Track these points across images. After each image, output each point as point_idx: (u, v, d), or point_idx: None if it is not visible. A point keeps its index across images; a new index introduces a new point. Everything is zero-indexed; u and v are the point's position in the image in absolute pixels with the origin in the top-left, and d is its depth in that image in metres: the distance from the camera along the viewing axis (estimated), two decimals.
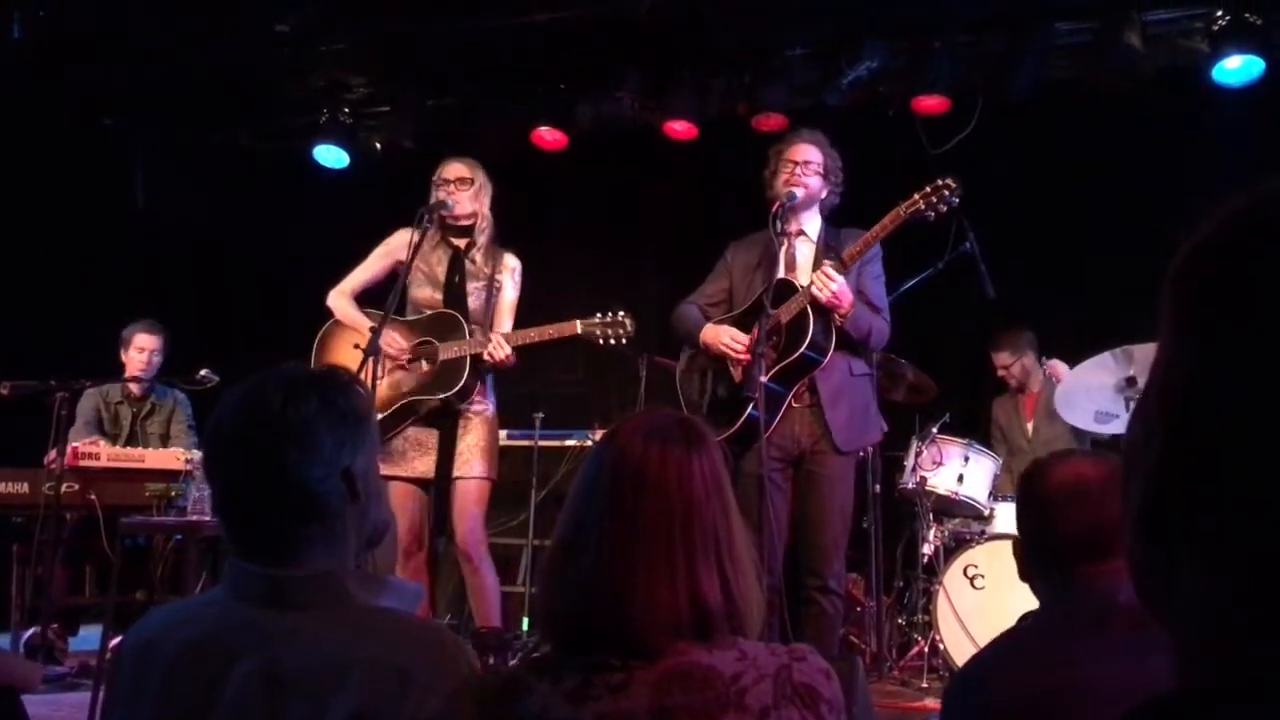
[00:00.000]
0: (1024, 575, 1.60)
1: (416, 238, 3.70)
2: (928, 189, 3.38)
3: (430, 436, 3.76)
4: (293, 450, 1.31)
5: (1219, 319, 0.54)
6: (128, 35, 5.30)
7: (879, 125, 5.45)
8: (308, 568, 1.31)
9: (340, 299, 3.92)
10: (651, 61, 5.67)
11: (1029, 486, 1.57)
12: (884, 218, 3.41)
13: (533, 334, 3.74)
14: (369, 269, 3.95)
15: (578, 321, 3.72)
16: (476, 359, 3.71)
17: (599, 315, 3.72)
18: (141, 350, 5.03)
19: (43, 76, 5.55)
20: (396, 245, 3.92)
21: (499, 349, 3.65)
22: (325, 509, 1.34)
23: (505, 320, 3.87)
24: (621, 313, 3.72)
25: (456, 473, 3.73)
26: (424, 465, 3.74)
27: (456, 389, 3.69)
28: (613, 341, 3.71)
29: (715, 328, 3.59)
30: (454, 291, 3.84)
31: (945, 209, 3.39)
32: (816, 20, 5.39)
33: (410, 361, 3.80)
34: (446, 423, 3.76)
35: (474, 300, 3.84)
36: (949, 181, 3.37)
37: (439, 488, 3.77)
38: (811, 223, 3.67)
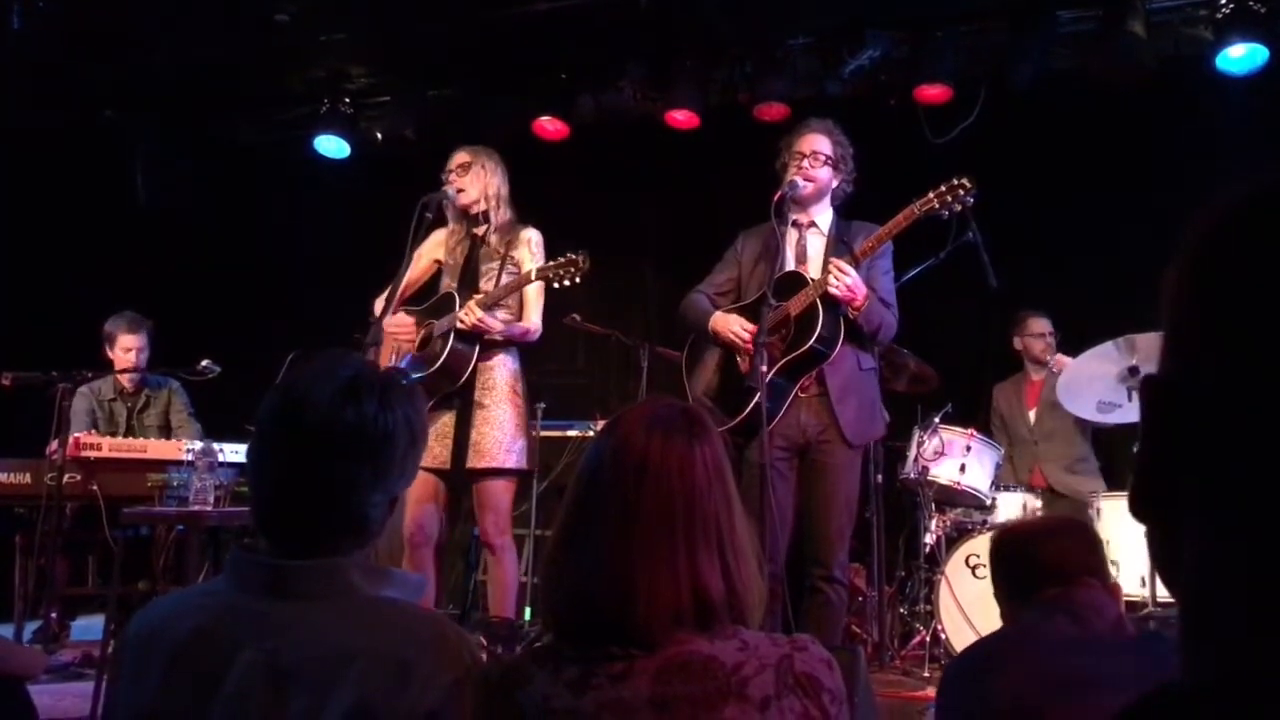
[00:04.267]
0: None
1: (414, 233, 3.67)
2: (943, 188, 3.35)
3: (448, 423, 3.68)
4: (365, 471, 1.32)
5: (1201, 307, 0.54)
6: (127, 27, 5.28)
7: (881, 115, 5.43)
8: (318, 560, 1.32)
9: (382, 302, 3.84)
10: (653, 51, 5.66)
11: (1009, 538, 1.86)
12: (898, 214, 3.39)
13: (496, 292, 3.69)
14: (408, 274, 3.85)
15: (533, 269, 3.66)
16: (458, 331, 3.66)
17: (556, 258, 3.64)
18: (128, 350, 4.97)
19: (43, 69, 5.54)
20: (430, 245, 3.91)
21: (469, 314, 3.60)
22: (367, 529, 1.36)
23: (532, 294, 3.79)
24: (580, 252, 3.60)
25: (475, 463, 3.65)
26: (442, 453, 3.66)
27: (437, 365, 3.65)
28: (568, 282, 3.60)
29: (725, 316, 3.57)
30: (469, 275, 3.81)
31: (960, 208, 3.37)
32: (818, 9, 5.38)
33: (421, 347, 3.80)
34: (460, 405, 3.68)
35: (486, 281, 3.78)
36: (964, 181, 3.34)
37: (452, 476, 3.70)
38: (822, 215, 3.65)
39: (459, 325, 3.63)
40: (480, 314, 3.61)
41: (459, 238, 3.88)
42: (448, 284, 3.85)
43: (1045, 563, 1.65)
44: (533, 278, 3.64)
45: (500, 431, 3.69)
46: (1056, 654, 1.38)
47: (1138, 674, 1.22)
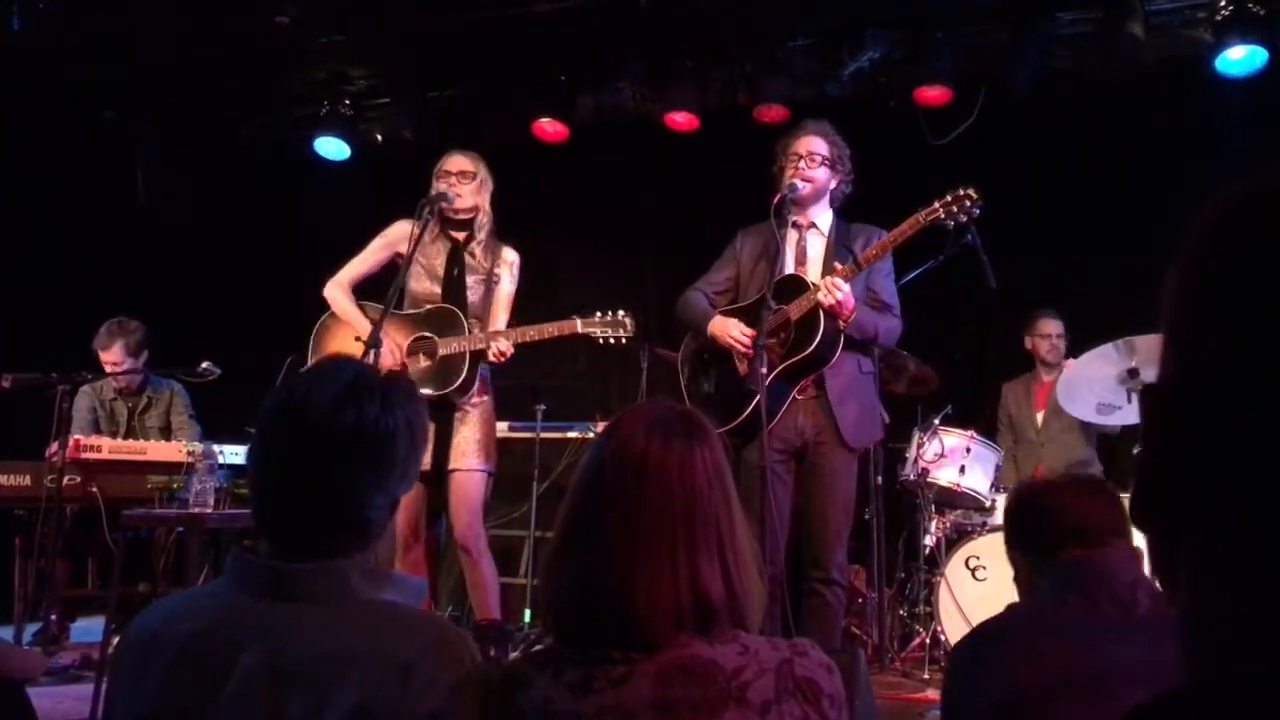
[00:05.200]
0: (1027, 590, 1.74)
1: (417, 230, 3.70)
2: (949, 198, 3.36)
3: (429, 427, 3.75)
4: (366, 474, 1.32)
5: (1200, 309, 0.54)
6: (127, 28, 5.28)
7: (880, 116, 5.43)
8: (319, 562, 1.32)
9: (337, 291, 3.91)
10: (652, 52, 5.66)
11: (1029, 500, 1.77)
12: (903, 223, 3.40)
13: (532, 332, 3.75)
14: (367, 260, 3.95)
15: (578, 320, 3.75)
16: (476, 355, 3.71)
17: (599, 314, 3.76)
18: (106, 365, 4.94)
19: (42, 70, 5.54)
20: (396, 237, 3.91)
21: (507, 352, 3.68)
22: (368, 532, 1.36)
23: (501, 315, 3.88)
24: (622, 311, 3.76)
25: (455, 465, 3.74)
26: (424, 456, 3.73)
27: (456, 385, 3.70)
28: (612, 340, 3.76)
29: (724, 320, 3.58)
30: (453, 285, 3.84)
31: (965, 219, 3.38)
32: (818, 10, 5.38)
33: (408, 357, 3.80)
34: (443, 415, 3.76)
35: (473, 294, 3.84)
36: (970, 192, 3.35)
37: (436, 480, 3.77)
38: (822, 216, 3.66)
39: (494, 359, 3.70)
40: (510, 351, 3.70)
41: (434, 239, 3.88)
42: (428, 288, 3.84)
43: (1070, 521, 1.60)
44: (578, 329, 3.74)
45: (480, 434, 3.79)
46: (1063, 644, 1.37)
47: (1146, 663, 1.22)
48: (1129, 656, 1.31)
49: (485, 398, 3.86)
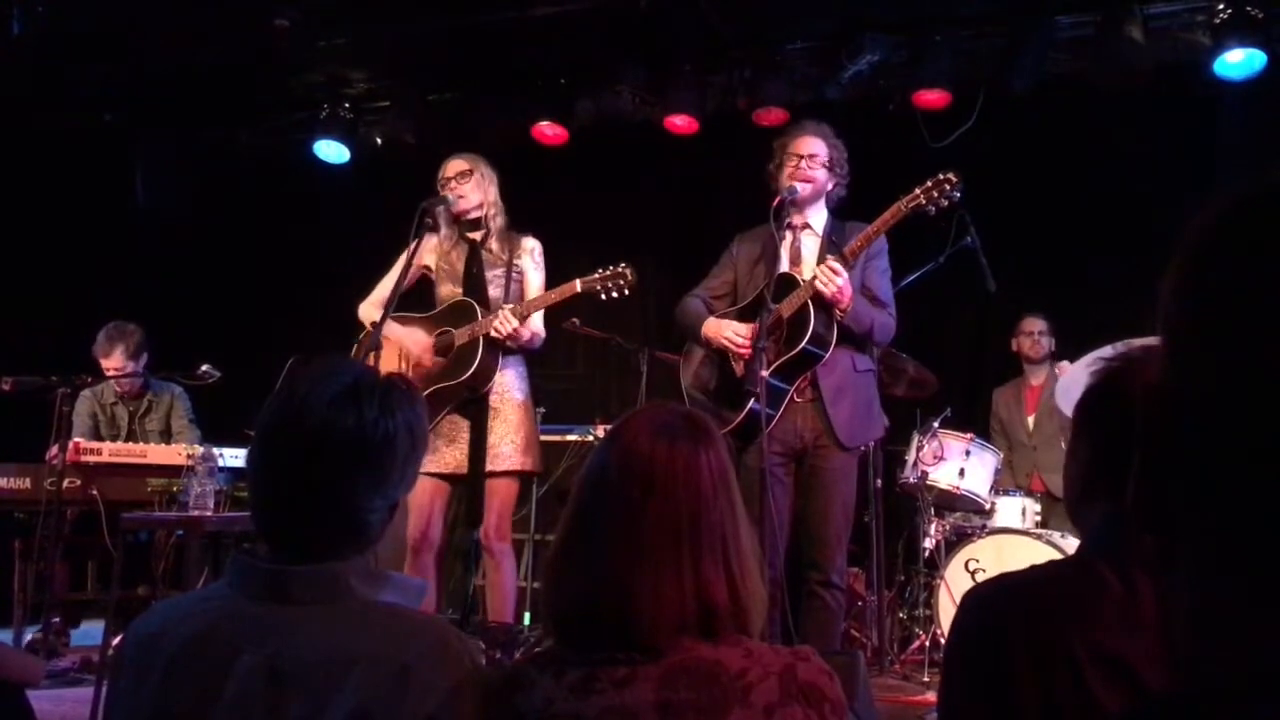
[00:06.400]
0: (1081, 500, 1.33)
1: (414, 238, 3.67)
2: (929, 183, 3.37)
3: (460, 428, 3.71)
4: (365, 476, 1.32)
5: (1198, 310, 0.54)
6: (127, 31, 5.29)
7: (879, 119, 5.44)
8: (317, 565, 1.32)
9: (369, 309, 3.89)
10: (652, 56, 5.67)
11: (1112, 385, 1.28)
12: (885, 212, 3.41)
13: (535, 302, 3.71)
14: (394, 278, 3.92)
15: (577, 280, 3.69)
16: (489, 339, 3.68)
17: (599, 270, 3.69)
18: (107, 370, 4.91)
19: (43, 73, 5.55)
20: (420, 252, 3.91)
21: (505, 323, 3.62)
22: (366, 535, 1.36)
23: (537, 301, 3.80)
24: (623, 264, 3.69)
25: (491, 468, 3.67)
26: (453, 458, 3.69)
27: (469, 372, 3.65)
28: (615, 294, 3.68)
29: (717, 322, 3.59)
30: (473, 282, 3.82)
31: (947, 203, 3.38)
32: (817, 14, 5.38)
33: (435, 356, 3.79)
34: (475, 411, 3.70)
35: (494, 288, 3.80)
36: (950, 176, 3.36)
37: (470, 481, 3.71)
38: (816, 216, 3.66)
39: (494, 334, 3.64)
40: (515, 324, 3.64)
41: (453, 243, 3.88)
42: (451, 290, 3.84)
43: None
44: (578, 289, 3.67)
45: (518, 435, 3.73)
46: (1086, 651, 1.19)
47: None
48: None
49: (518, 392, 3.78)
